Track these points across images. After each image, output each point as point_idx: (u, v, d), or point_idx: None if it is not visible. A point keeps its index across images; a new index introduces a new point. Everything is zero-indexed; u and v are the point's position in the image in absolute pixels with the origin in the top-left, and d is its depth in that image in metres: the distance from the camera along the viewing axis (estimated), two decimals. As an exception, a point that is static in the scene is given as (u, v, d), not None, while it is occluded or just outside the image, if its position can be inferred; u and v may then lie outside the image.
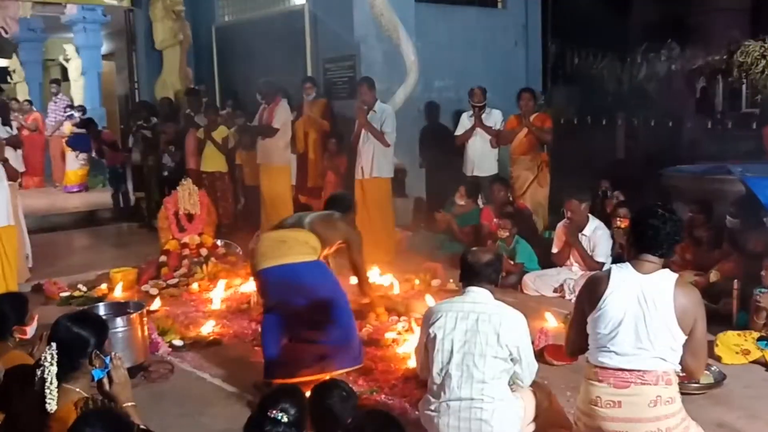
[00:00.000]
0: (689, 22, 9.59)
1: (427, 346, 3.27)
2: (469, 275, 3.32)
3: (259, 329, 4.73)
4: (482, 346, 3.12)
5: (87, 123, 11.55)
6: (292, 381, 4.11)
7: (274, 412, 2.41)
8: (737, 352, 4.66)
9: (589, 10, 9.19)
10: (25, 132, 12.87)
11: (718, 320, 4.92)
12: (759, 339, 4.69)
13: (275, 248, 4.30)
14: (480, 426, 3.11)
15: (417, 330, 5.09)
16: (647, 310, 2.96)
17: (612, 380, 2.99)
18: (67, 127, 13.08)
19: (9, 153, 6.39)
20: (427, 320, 3.31)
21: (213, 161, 9.17)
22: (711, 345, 4.46)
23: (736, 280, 5.25)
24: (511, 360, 3.16)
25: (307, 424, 2.54)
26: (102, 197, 11.82)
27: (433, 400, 3.24)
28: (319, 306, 4.30)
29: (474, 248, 3.47)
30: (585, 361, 3.19)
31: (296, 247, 4.30)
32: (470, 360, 3.13)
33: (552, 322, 5.43)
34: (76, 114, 13.23)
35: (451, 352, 3.16)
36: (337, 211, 4.89)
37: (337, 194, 5.45)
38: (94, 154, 13.00)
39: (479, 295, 3.27)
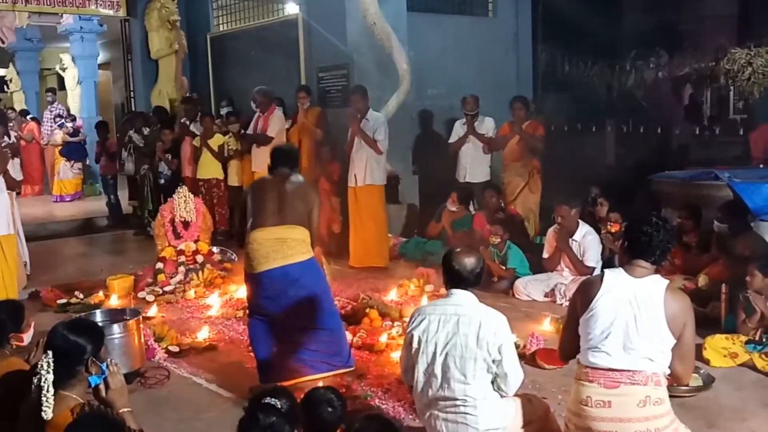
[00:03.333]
0: (677, 30, 9.65)
1: (411, 347, 3.31)
2: (454, 279, 3.34)
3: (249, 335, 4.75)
4: (462, 349, 3.16)
5: (99, 126, 11.55)
6: (286, 384, 4.20)
7: (267, 399, 2.45)
8: (725, 355, 4.70)
9: (578, 18, 9.25)
10: (22, 142, 12.91)
11: (707, 324, 4.95)
12: (747, 342, 4.73)
13: (277, 250, 4.33)
14: (465, 419, 3.16)
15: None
16: (638, 312, 3.01)
17: (602, 380, 3.02)
18: (60, 136, 13.09)
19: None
20: (411, 322, 3.36)
21: (209, 168, 9.25)
22: (699, 348, 4.51)
23: (724, 284, 5.29)
24: (493, 362, 3.17)
25: (299, 425, 2.59)
26: (98, 205, 11.85)
27: (419, 399, 3.30)
28: (307, 308, 4.39)
29: (457, 250, 3.43)
30: (576, 362, 3.22)
31: (296, 247, 4.36)
32: (452, 362, 3.18)
33: (544, 326, 5.48)
34: (68, 123, 13.24)
35: (434, 354, 3.21)
36: (287, 168, 4.61)
37: (284, 149, 5.02)
38: (88, 162, 13.04)
39: (462, 297, 3.30)
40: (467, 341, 3.16)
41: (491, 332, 3.17)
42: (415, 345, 3.28)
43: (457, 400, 3.17)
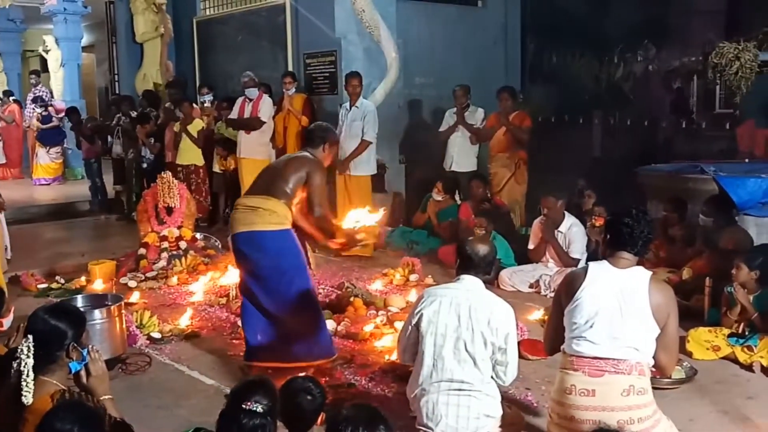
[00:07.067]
0: (666, 23, 9.67)
1: (418, 328, 3.31)
2: (465, 264, 3.39)
3: (240, 314, 4.74)
4: (474, 333, 3.20)
5: (70, 112, 11.43)
6: (270, 365, 4.26)
7: (249, 404, 2.45)
8: (708, 348, 4.72)
9: (567, 9, 9.27)
10: (2, 123, 12.73)
11: (690, 317, 4.98)
12: (729, 335, 4.75)
13: (247, 215, 4.35)
14: (468, 402, 3.19)
15: (396, 325, 5.14)
16: (623, 301, 3.05)
17: (587, 369, 3.05)
18: (34, 122, 12.94)
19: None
20: (420, 303, 3.37)
21: (189, 154, 9.16)
22: (682, 341, 4.54)
23: (708, 278, 5.31)
24: (498, 349, 3.23)
25: (277, 415, 2.60)
26: (80, 189, 11.72)
27: (421, 381, 3.29)
28: (275, 281, 4.34)
29: (472, 238, 3.57)
30: (561, 352, 3.24)
31: (266, 216, 4.33)
32: (462, 345, 3.21)
33: (528, 317, 5.49)
34: (38, 109, 13.06)
35: (444, 336, 3.24)
36: (309, 147, 4.62)
37: (310, 127, 4.99)
38: (67, 145, 12.92)
39: (472, 283, 3.35)
40: (479, 326, 3.21)
41: (501, 320, 3.24)
42: (424, 325, 3.29)
43: (463, 383, 3.21)
